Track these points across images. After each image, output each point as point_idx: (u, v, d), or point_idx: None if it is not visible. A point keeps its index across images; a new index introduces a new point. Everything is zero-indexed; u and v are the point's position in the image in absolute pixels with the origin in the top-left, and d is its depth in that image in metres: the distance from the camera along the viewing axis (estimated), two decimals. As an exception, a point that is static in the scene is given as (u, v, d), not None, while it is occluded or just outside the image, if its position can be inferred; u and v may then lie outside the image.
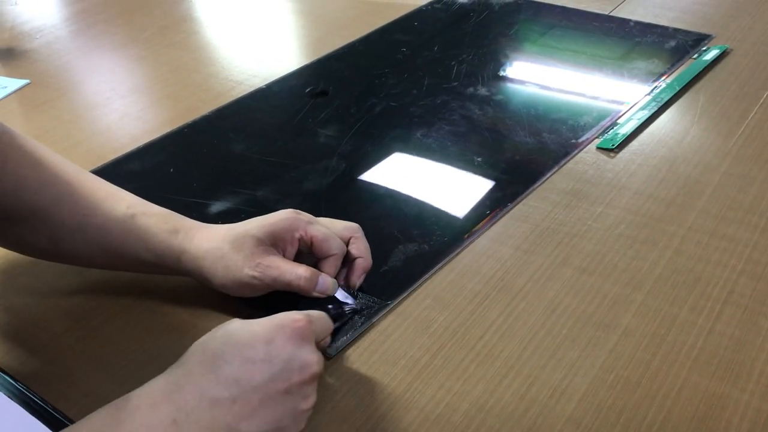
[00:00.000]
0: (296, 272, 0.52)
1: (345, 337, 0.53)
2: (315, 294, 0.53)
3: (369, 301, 0.56)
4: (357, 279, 0.56)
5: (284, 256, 0.54)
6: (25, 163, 0.55)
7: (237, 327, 0.44)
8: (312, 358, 0.44)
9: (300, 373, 0.43)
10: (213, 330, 0.44)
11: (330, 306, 0.55)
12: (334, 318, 0.53)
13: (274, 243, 0.53)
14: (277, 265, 0.52)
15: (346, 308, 0.55)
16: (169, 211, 0.56)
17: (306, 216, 0.55)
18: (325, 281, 0.53)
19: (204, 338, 0.44)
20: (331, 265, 0.55)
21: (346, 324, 0.55)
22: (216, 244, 0.53)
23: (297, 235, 0.54)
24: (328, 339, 0.51)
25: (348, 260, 0.56)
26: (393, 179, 0.70)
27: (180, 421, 0.40)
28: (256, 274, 0.52)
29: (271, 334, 0.43)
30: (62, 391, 0.51)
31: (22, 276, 0.61)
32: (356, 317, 0.55)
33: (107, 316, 0.57)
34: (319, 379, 0.46)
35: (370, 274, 0.57)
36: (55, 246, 0.55)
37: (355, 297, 0.56)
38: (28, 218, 0.54)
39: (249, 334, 0.43)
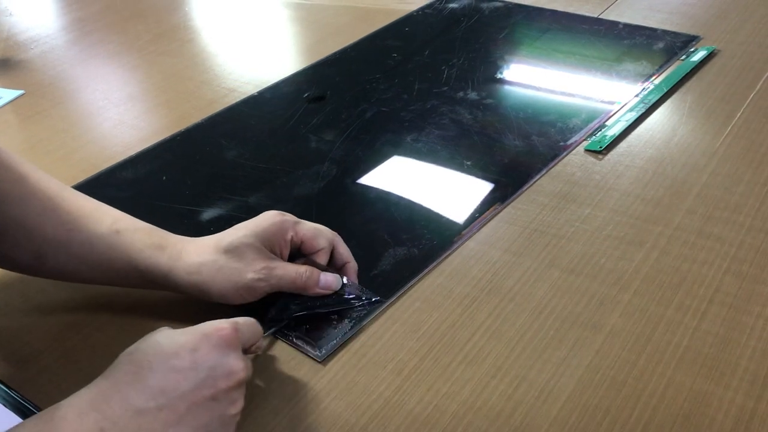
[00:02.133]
0: (298, 270, 0.54)
1: (335, 341, 0.54)
2: (319, 290, 0.55)
3: (368, 296, 0.57)
4: (353, 280, 0.58)
5: (280, 257, 0.55)
6: (9, 178, 0.55)
7: (163, 336, 0.44)
8: (238, 365, 0.44)
9: (226, 380, 0.44)
10: (139, 340, 0.45)
11: (333, 298, 0.56)
12: (343, 311, 0.56)
13: (270, 248, 0.55)
14: (280, 266, 0.54)
15: (353, 300, 0.57)
16: (153, 226, 0.57)
17: (291, 216, 0.57)
18: (327, 277, 0.55)
19: (130, 348, 0.44)
20: (321, 258, 0.57)
21: (355, 314, 0.56)
22: (209, 257, 0.54)
23: (288, 237, 0.56)
24: (262, 343, 0.52)
25: (335, 266, 0.58)
26: (384, 183, 0.71)
27: (107, 429, 0.41)
28: (261, 276, 0.53)
29: (195, 342, 0.44)
30: (55, 397, 0.51)
31: (16, 284, 0.62)
32: (345, 321, 0.56)
33: (99, 325, 0.58)
34: (247, 383, 0.46)
35: (361, 278, 0.58)
36: (39, 261, 0.55)
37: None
38: (10, 233, 0.54)
39: (174, 343, 0.44)
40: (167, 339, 0.44)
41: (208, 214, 0.68)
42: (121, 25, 1.10)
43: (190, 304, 0.57)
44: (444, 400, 0.50)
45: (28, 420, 0.42)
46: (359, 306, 0.57)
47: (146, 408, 0.42)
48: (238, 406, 0.45)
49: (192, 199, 0.70)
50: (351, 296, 0.56)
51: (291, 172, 0.73)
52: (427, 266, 0.60)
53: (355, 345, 0.54)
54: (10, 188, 0.55)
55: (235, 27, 1.08)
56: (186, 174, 0.75)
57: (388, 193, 0.69)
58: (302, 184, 0.71)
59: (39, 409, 0.51)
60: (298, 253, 0.57)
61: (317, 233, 0.57)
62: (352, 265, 0.58)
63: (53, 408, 0.42)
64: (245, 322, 0.48)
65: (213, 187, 0.72)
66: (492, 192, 0.68)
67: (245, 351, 0.48)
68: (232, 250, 0.53)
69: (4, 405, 0.54)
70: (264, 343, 0.53)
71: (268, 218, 0.56)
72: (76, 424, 0.40)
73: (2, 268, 0.60)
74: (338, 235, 0.59)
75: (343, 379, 0.52)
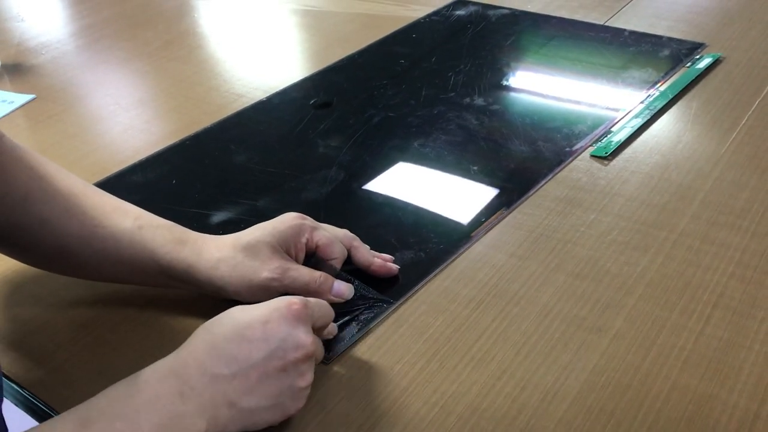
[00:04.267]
0: (313, 275, 0.55)
1: (342, 344, 0.55)
2: (331, 298, 0.56)
3: (381, 301, 0.58)
4: (394, 266, 0.60)
5: (295, 260, 0.57)
6: (35, 176, 0.56)
7: (238, 310, 0.47)
8: (306, 339, 0.47)
9: (294, 352, 0.46)
10: (217, 315, 0.48)
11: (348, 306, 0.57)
12: (351, 312, 0.56)
13: (286, 249, 0.56)
14: (295, 268, 0.55)
15: (361, 303, 0.58)
16: (174, 223, 0.58)
17: (310, 221, 0.58)
18: (341, 285, 0.56)
19: (208, 322, 0.47)
20: (334, 265, 0.58)
21: (362, 317, 0.57)
22: (227, 253, 0.55)
23: (303, 240, 0.57)
24: (334, 329, 0.54)
25: (362, 266, 0.59)
26: (391, 188, 0.71)
27: (185, 393, 0.44)
28: (275, 275, 0.54)
29: (268, 315, 0.46)
30: (66, 398, 0.53)
31: (28, 285, 0.63)
32: (353, 324, 0.56)
33: (111, 324, 0.59)
34: (316, 361, 0.49)
35: (368, 281, 0.59)
36: (63, 257, 0.57)
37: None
38: (36, 229, 0.56)
39: (248, 315, 0.46)
40: (242, 312, 0.47)
41: (218, 217, 0.69)
42: (131, 32, 1.11)
43: (205, 304, 0.58)
44: (450, 402, 0.50)
45: (114, 384, 0.44)
46: (368, 306, 0.57)
47: (221, 374, 0.44)
48: (307, 378, 0.47)
49: (201, 203, 0.71)
50: (361, 300, 0.57)
51: (299, 177, 0.74)
52: (433, 270, 0.61)
53: (362, 347, 0.55)
54: (36, 185, 0.56)
55: (243, 33, 1.09)
56: (195, 178, 0.75)
57: (395, 198, 0.70)
58: (310, 189, 0.72)
59: (51, 409, 0.52)
60: (314, 259, 0.58)
61: (333, 241, 0.57)
62: (379, 264, 0.59)
63: (136, 374, 0.45)
64: (316, 302, 0.50)
65: (222, 191, 0.73)
66: (498, 197, 0.69)
67: (317, 333, 0.50)
68: (249, 248, 0.55)
69: (15, 404, 0.54)
70: (336, 329, 0.54)
71: (287, 220, 0.57)
72: (157, 387, 0.44)
73: (28, 263, 0.61)
74: (357, 238, 0.60)
75: (350, 380, 0.52)
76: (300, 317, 0.47)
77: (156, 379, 0.44)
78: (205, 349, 0.45)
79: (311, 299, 0.49)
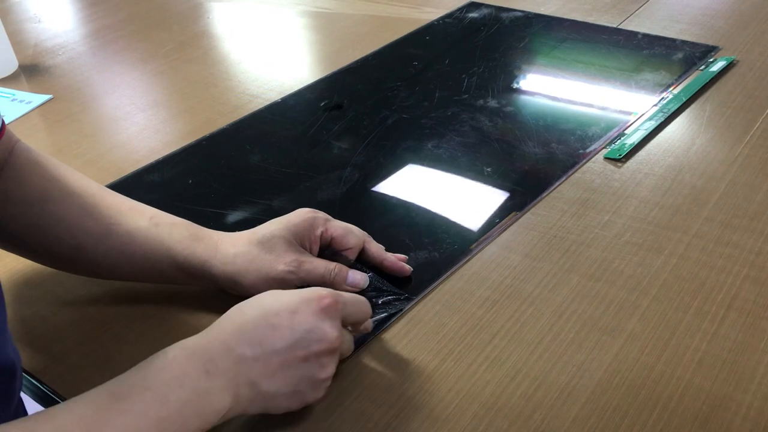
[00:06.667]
0: (328, 267, 0.56)
1: (358, 341, 0.55)
2: (346, 287, 0.57)
3: (396, 295, 0.59)
4: (407, 265, 0.60)
5: (310, 253, 0.58)
6: (50, 177, 0.57)
7: (268, 296, 0.48)
8: (332, 333, 0.47)
9: (318, 344, 0.47)
10: (250, 298, 0.48)
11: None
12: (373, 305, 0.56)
13: (300, 242, 0.57)
14: (310, 260, 0.56)
15: (375, 294, 0.58)
16: (189, 221, 0.59)
17: (323, 214, 0.59)
18: (355, 275, 0.57)
19: (239, 305, 0.48)
20: (349, 256, 0.59)
21: (378, 315, 0.57)
22: (243, 248, 0.56)
23: (318, 233, 0.58)
24: (369, 325, 0.54)
25: (371, 265, 0.60)
26: (405, 189, 0.72)
27: (211, 371, 0.44)
28: (291, 269, 0.55)
29: (297, 305, 0.47)
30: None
31: (46, 283, 0.64)
32: (368, 322, 0.57)
33: (129, 322, 0.59)
34: (341, 356, 0.50)
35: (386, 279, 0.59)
36: (79, 255, 0.57)
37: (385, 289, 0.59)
38: (52, 228, 0.56)
39: (277, 302, 0.47)
40: (272, 298, 0.48)
41: (233, 216, 0.69)
42: (146, 33, 1.12)
43: (221, 301, 0.58)
44: (465, 401, 0.50)
45: (144, 361, 0.45)
46: (384, 300, 0.58)
47: (245, 356, 0.45)
48: (328, 371, 0.48)
49: (217, 202, 0.72)
50: (375, 292, 0.58)
51: (314, 177, 0.74)
52: (448, 270, 0.61)
53: (377, 346, 0.55)
54: (52, 186, 0.57)
55: (257, 35, 1.10)
56: (211, 178, 0.76)
57: (410, 199, 0.71)
58: (325, 189, 0.73)
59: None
60: (329, 251, 0.59)
61: (347, 232, 0.59)
62: (391, 260, 0.60)
63: (165, 350, 0.45)
64: (352, 298, 0.51)
65: (237, 190, 0.74)
66: (512, 198, 0.69)
67: (353, 328, 0.51)
68: (265, 243, 0.56)
69: (35, 400, 0.55)
70: (372, 325, 0.54)
71: (301, 214, 0.58)
72: (184, 364, 0.44)
73: (44, 263, 0.62)
74: (368, 235, 0.61)
75: (365, 378, 0.53)
76: (328, 312, 0.48)
77: (183, 356, 0.45)
78: (232, 329, 0.46)
79: (347, 295, 0.50)
